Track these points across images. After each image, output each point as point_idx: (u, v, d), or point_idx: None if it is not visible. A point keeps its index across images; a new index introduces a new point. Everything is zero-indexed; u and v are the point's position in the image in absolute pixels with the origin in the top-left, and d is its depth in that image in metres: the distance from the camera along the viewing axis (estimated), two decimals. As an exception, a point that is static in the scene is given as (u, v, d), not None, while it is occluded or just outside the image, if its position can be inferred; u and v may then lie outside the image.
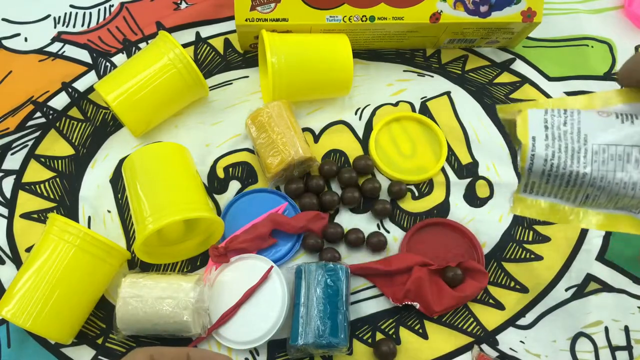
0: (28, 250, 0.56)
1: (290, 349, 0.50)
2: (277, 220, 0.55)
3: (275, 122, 0.56)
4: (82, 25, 0.68)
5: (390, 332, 0.53)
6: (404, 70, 0.66)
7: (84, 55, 0.66)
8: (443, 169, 0.60)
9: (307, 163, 0.57)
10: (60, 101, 0.63)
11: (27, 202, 0.58)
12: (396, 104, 0.64)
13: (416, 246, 0.55)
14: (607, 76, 0.66)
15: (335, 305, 0.49)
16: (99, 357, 0.52)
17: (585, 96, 0.40)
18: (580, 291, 0.54)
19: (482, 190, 0.59)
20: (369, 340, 0.52)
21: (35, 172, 0.60)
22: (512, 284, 0.55)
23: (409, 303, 0.52)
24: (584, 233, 0.57)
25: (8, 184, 0.59)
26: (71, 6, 0.69)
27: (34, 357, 0.52)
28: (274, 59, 0.56)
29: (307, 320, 0.49)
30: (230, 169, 0.60)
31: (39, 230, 0.56)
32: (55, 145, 0.61)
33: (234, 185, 0.59)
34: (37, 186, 0.59)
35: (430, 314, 0.53)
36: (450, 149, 0.61)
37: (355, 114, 0.63)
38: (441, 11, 0.58)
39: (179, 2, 0.69)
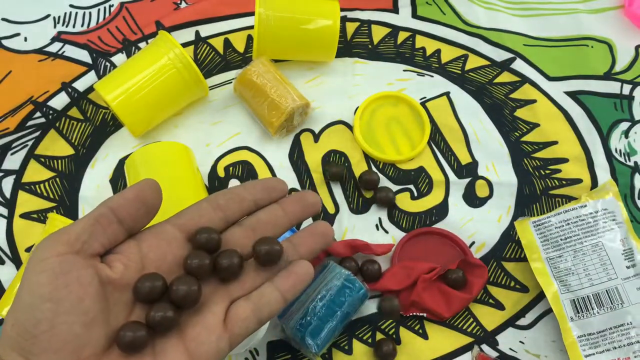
0: (28, 250, 0.56)
1: (280, 325, 0.50)
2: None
3: (265, 77, 0.59)
4: (82, 25, 0.68)
5: (391, 332, 0.53)
6: (404, 70, 0.66)
7: (84, 55, 0.66)
8: (442, 168, 0.60)
9: (304, 110, 0.60)
10: (60, 101, 0.63)
11: (26, 202, 0.58)
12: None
13: (407, 257, 0.55)
14: (607, 76, 0.66)
15: (332, 313, 0.49)
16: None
17: None
18: (580, 291, 0.54)
19: (481, 190, 0.59)
20: (369, 340, 0.52)
21: (35, 172, 0.60)
22: (512, 283, 0.55)
23: (416, 314, 0.53)
24: (583, 233, 0.57)
25: (8, 184, 0.59)
26: (71, 6, 0.69)
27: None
28: (262, 10, 0.59)
29: (300, 306, 0.49)
30: (231, 168, 0.60)
31: (38, 230, 0.56)
32: (55, 145, 0.61)
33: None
34: (36, 186, 0.59)
35: (441, 319, 0.53)
36: (450, 149, 0.61)
37: (355, 113, 0.63)
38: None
39: (178, 1, 0.70)
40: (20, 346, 0.27)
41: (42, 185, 0.59)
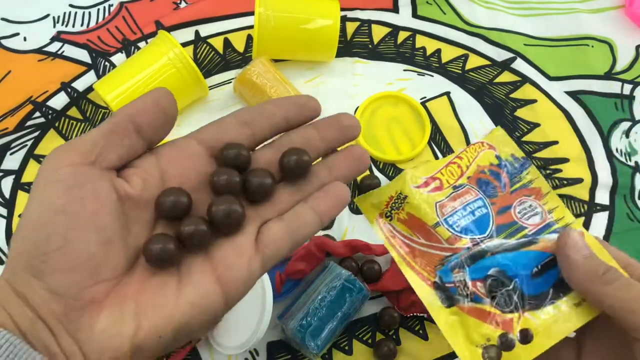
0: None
1: (280, 325, 0.50)
2: (325, 243, 0.54)
3: (265, 77, 0.59)
4: (82, 25, 0.68)
5: (391, 333, 0.53)
6: (404, 70, 0.66)
7: (84, 55, 0.66)
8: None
9: None
10: (59, 101, 0.63)
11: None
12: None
13: None
14: (607, 76, 0.66)
15: (333, 314, 0.49)
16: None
17: None
18: (581, 291, 0.54)
19: (482, 190, 0.59)
20: (369, 341, 0.52)
21: (35, 172, 0.59)
22: (512, 284, 0.55)
23: (416, 314, 0.52)
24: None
25: (7, 184, 0.59)
26: (70, 6, 0.69)
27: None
28: (262, 10, 0.59)
29: (301, 306, 0.49)
30: (230, 169, 0.60)
31: (38, 230, 0.56)
32: (55, 145, 0.60)
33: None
34: (36, 186, 0.59)
35: None
36: (450, 149, 0.61)
37: (355, 113, 0.63)
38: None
39: (178, 1, 0.69)
40: (30, 264, 0.25)
41: (41, 185, 0.59)
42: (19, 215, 0.57)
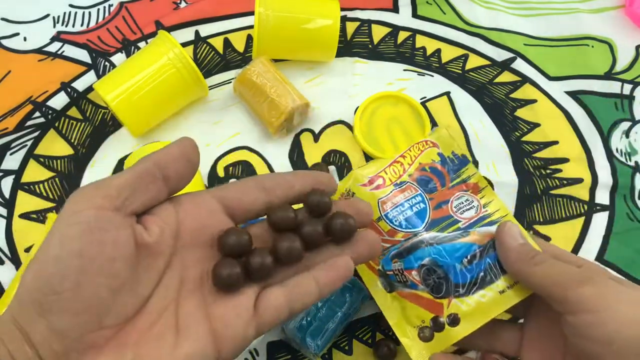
0: (27, 250, 0.56)
1: (281, 325, 0.50)
2: None
3: (264, 77, 0.59)
4: (82, 25, 0.68)
5: (391, 333, 0.53)
6: (404, 70, 0.66)
7: (83, 55, 0.66)
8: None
9: (304, 110, 0.60)
10: (59, 101, 0.63)
11: (26, 202, 0.58)
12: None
13: None
14: (607, 76, 0.66)
15: (333, 314, 0.49)
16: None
17: None
18: (581, 291, 0.54)
19: (482, 190, 0.59)
20: (369, 341, 0.52)
21: (34, 172, 0.59)
22: (512, 284, 0.55)
23: None
24: (583, 233, 0.57)
25: (7, 184, 0.59)
26: (70, 6, 0.69)
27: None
28: (262, 9, 0.59)
29: None
30: (231, 168, 0.60)
31: (38, 230, 0.56)
32: (55, 145, 0.61)
33: (234, 185, 0.59)
34: (36, 186, 0.59)
35: None
36: (450, 148, 0.61)
37: (355, 113, 0.63)
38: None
39: (178, 1, 0.69)
40: (39, 302, 0.25)
41: (41, 185, 0.59)
42: (19, 216, 0.57)
